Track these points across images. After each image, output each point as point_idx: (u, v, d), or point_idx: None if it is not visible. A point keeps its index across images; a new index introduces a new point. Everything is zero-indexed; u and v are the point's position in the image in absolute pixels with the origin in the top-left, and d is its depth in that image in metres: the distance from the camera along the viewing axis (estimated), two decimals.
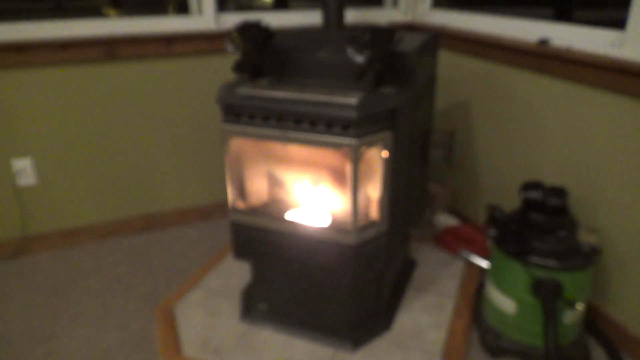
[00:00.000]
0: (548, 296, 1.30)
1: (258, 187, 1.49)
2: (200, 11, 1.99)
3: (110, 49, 1.86)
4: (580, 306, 1.37)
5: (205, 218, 2.28)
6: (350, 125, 1.18)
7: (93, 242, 2.10)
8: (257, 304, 1.57)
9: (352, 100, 1.17)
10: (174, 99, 2.04)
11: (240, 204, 1.44)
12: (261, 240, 1.41)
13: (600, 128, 1.47)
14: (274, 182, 1.51)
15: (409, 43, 1.37)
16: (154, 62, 1.96)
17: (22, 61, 1.76)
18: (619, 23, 1.44)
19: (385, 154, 1.27)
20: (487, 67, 1.87)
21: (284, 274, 1.48)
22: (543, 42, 1.61)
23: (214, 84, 2.08)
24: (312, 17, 2.18)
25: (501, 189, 1.92)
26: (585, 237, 1.36)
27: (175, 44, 1.95)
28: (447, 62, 2.10)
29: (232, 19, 2.04)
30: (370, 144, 1.22)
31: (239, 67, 1.29)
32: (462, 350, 1.44)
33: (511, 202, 1.87)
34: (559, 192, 1.35)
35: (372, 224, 1.33)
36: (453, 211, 2.21)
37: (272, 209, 1.49)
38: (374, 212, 1.34)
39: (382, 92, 1.23)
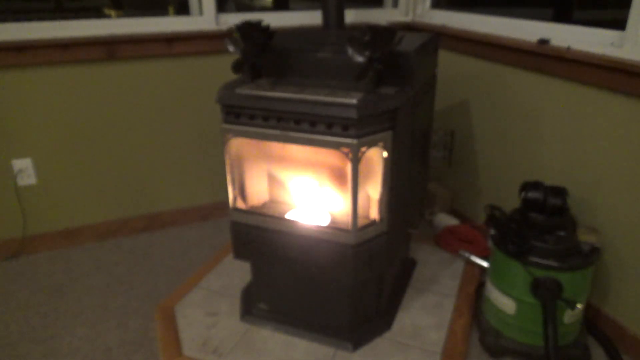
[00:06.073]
0: (548, 296, 1.30)
1: (258, 187, 1.49)
2: (200, 11, 1.99)
3: (111, 49, 1.86)
4: (580, 306, 1.37)
5: (205, 218, 2.28)
6: (350, 125, 1.18)
7: (93, 242, 2.10)
8: (257, 304, 1.57)
9: (352, 100, 1.17)
10: (175, 99, 2.04)
11: (240, 204, 1.44)
12: (261, 240, 1.41)
13: (600, 128, 1.47)
14: (274, 182, 1.51)
15: (409, 43, 1.37)
16: (154, 62, 1.96)
17: (22, 61, 1.76)
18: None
19: (385, 154, 1.27)
20: (487, 67, 1.87)
21: (284, 274, 1.48)
22: (543, 42, 1.61)
23: (214, 84, 2.08)
24: (312, 17, 2.18)
25: (501, 189, 1.92)
26: (585, 237, 1.36)
27: (176, 44, 1.95)
28: (447, 62, 2.10)
29: (232, 19, 2.04)
30: (370, 144, 1.22)
31: (237, 67, 1.29)
32: (462, 350, 1.44)
33: (511, 202, 1.88)
34: (559, 192, 1.35)
35: (372, 223, 1.33)
36: (453, 211, 2.21)
37: (272, 208, 1.49)
38: (374, 212, 1.34)
39: (382, 92, 1.23)
